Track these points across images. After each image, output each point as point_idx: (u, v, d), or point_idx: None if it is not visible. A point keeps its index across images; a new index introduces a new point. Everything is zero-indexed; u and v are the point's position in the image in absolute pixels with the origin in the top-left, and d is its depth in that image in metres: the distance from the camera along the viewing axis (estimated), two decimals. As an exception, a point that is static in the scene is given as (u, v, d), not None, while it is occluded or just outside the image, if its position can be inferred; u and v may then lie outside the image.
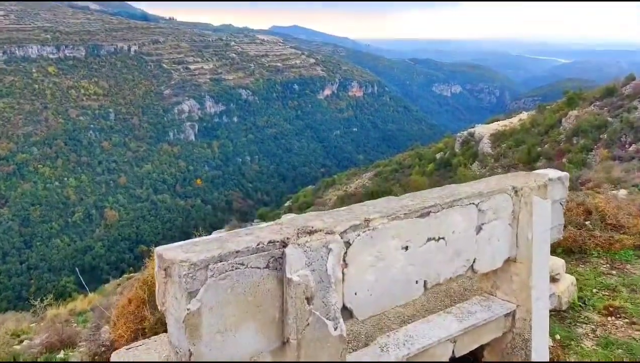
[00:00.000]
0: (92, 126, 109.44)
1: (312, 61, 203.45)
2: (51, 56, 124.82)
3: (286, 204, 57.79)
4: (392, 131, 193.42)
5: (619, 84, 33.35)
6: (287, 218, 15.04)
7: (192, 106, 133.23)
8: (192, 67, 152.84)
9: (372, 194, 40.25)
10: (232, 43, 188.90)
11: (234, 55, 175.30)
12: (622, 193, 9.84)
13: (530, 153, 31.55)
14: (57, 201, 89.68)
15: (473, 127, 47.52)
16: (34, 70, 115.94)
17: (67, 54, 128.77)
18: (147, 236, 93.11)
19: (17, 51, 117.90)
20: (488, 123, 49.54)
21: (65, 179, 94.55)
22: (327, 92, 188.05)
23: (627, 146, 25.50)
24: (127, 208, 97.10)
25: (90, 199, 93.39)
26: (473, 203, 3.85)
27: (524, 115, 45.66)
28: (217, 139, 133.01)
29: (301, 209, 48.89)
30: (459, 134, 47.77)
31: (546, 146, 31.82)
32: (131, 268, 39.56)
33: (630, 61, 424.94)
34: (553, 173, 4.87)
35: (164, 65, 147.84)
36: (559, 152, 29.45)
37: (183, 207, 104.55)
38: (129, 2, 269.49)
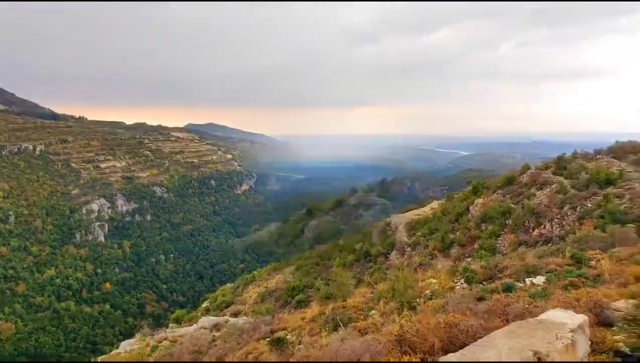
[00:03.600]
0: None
1: (229, 156, 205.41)
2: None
3: (204, 305, 54.90)
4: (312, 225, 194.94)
5: (517, 174, 36.04)
6: (204, 320, 13.90)
7: (102, 206, 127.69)
8: (103, 165, 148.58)
9: (294, 289, 39.43)
10: (146, 141, 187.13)
11: (147, 152, 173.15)
12: (539, 279, 10.08)
13: (444, 240, 32.55)
14: (-59, 317, 79.89)
15: (389, 218, 48.86)
16: None
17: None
18: (47, 350, 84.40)
19: None
20: (403, 212, 51.22)
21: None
22: (245, 187, 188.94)
23: (530, 230, 27.01)
24: (25, 319, 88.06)
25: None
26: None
27: (435, 204, 47.75)
28: (128, 239, 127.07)
29: (220, 309, 46.63)
30: (376, 224, 48.85)
31: (458, 232, 33.02)
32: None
33: (523, 151, 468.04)
34: (570, 318, 4.29)
35: (73, 164, 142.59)
36: (470, 238, 30.61)
37: (90, 314, 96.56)
38: (37, 102, 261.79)
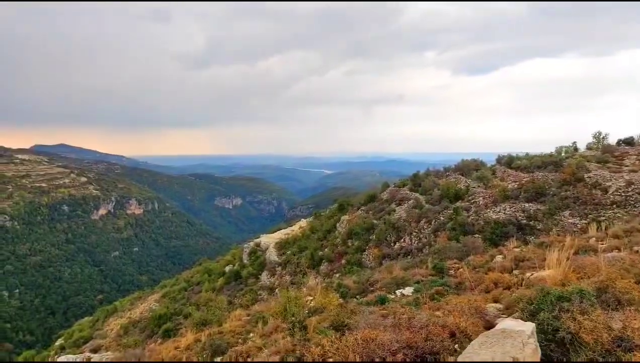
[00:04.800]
0: None
1: (83, 179, 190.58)
2: None
3: (57, 342, 50.03)
4: (177, 247, 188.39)
5: (378, 191, 38.43)
6: (63, 359, 12.73)
7: None
8: None
9: (160, 318, 37.55)
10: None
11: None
12: (408, 290, 10.81)
13: (313, 258, 33.38)
14: None
15: (258, 237, 48.83)
16: None
17: None
18: None
19: None
20: (272, 232, 51.55)
21: None
22: (103, 211, 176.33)
23: (392, 244, 28.84)
24: None
25: None
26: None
27: (303, 222, 48.80)
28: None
29: (77, 345, 42.82)
30: (245, 245, 48.52)
31: (326, 249, 34.08)
32: None
33: (381, 170, 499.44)
34: (523, 326, 4.76)
35: None
36: (338, 254, 31.78)
37: None
38: None
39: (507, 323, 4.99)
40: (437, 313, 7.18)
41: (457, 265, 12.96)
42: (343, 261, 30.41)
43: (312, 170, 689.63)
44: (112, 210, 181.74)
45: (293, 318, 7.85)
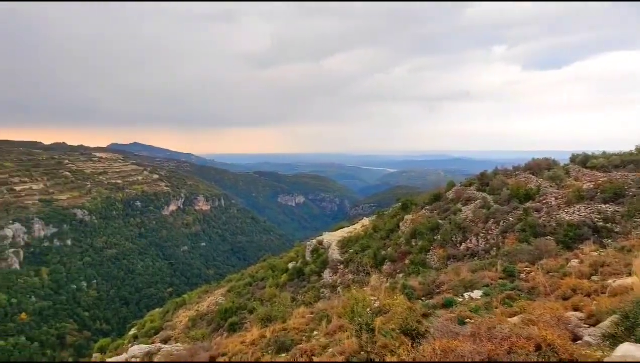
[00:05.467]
0: None
1: (155, 176, 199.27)
2: None
3: (131, 332, 52.47)
4: (242, 242, 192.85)
5: (443, 190, 37.59)
6: (135, 348, 13.26)
7: (17, 231, 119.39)
8: (17, 188, 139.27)
9: (226, 312, 38.56)
10: (66, 161, 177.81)
11: (67, 173, 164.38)
12: (477, 293, 10.48)
13: (376, 257, 33.11)
14: None
15: (321, 235, 49.05)
16: None
17: None
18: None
19: None
20: (334, 230, 51.61)
21: None
22: (173, 207, 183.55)
23: (458, 244, 28.12)
24: None
25: None
26: None
27: (366, 221, 48.50)
28: (47, 265, 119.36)
29: (149, 335, 44.76)
30: (308, 242, 48.85)
31: (389, 248, 33.72)
32: None
33: (445, 168, 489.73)
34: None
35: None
36: (401, 254, 31.36)
37: (2, 348, 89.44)
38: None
39: (626, 348, 4.58)
40: (514, 319, 6.82)
41: (528, 269, 12.42)
42: (406, 261, 29.97)
43: (374, 168, 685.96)
44: (182, 206, 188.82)
45: (360, 319, 7.76)
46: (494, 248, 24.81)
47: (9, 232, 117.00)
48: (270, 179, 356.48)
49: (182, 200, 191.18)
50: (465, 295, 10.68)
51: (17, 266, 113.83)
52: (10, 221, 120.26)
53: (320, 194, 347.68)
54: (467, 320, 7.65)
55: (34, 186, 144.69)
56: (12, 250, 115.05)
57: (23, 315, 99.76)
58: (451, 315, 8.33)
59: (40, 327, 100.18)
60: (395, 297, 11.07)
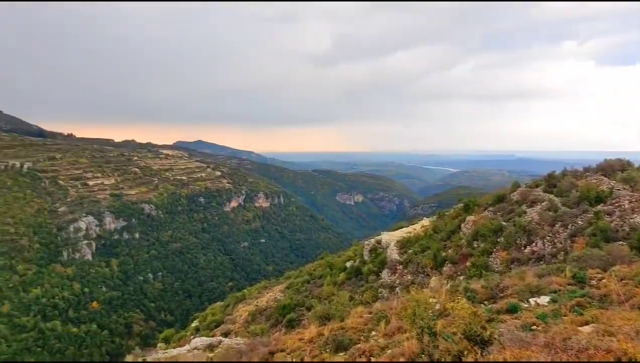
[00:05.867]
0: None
1: (218, 173, 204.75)
2: None
3: (193, 324, 54.21)
4: (300, 240, 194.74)
5: (507, 191, 36.29)
6: (197, 340, 13.70)
7: (90, 223, 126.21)
8: (91, 183, 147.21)
9: (285, 308, 39.09)
10: (135, 158, 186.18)
11: (136, 170, 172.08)
12: (544, 300, 10.09)
13: (436, 258, 32.50)
14: None
15: (379, 235, 48.66)
16: None
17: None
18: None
19: None
20: (393, 230, 51.07)
21: None
22: (234, 204, 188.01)
23: (522, 248, 27.12)
24: (9, 340, 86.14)
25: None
26: None
27: (426, 221, 47.67)
28: (116, 257, 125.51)
29: (210, 328, 46.13)
30: (366, 242, 48.61)
31: (450, 250, 32.99)
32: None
33: (510, 169, 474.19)
34: None
35: (60, 181, 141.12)
36: (463, 256, 30.61)
37: (76, 334, 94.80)
38: (25, 119, 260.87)
39: None
40: (586, 329, 6.47)
41: (599, 275, 11.81)
42: (468, 264, 29.23)
43: (435, 168, 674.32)
44: (242, 203, 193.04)
45: (422, 322, 7.65)
46: (561, 253, 23.76)
47: (82, 224, 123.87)
48: (329, 177, 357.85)
49: (243, 197, 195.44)
50: (531, 300, 10.30)
51: (89, 257, 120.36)
52: (84, 214, 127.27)
53: (379, 194, 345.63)
54: (534, 327, 7.38)
55: (106, 182, 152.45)
56: (86, 241, 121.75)
57: (94, 304, 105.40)
58: (516, 321, 8.07)
59: (110, 315, 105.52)
60: (457, 300, 10.85)
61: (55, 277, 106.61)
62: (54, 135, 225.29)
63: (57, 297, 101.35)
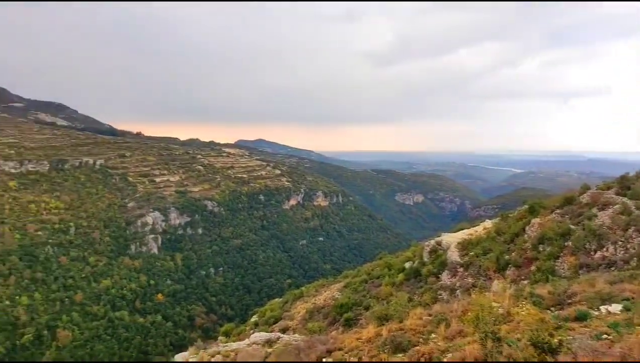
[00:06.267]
0: (50, 241, 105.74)
1: (277, 172, 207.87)
2: (13, 171, 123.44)
3: (252, 319, 55.29)
4: (358, 240, 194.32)
5: (576, 193, 34.66)
6: (257, 335, 13.96)
7: (156, 218, 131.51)
8: (157, 179, 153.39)
9: (342, 307, 39.19)
10: (199, 156, 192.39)
11: (200, 167, 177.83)
12: (615, 308, 9.62)
13: (499, 261, 31.56)
14: (6, 322, 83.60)
15: (439, 236, 47.78)
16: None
17: (30, 169, 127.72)
18: (102, 358, 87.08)
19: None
20: (454, 232, 50.01)
21: (17, 297, 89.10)
22: (293, 202, 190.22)
23: (592, 253, 25.86)
24: (81, 327, 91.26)
25: (42, 319, 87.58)
26: None
27: (488, 223, 46.32)
28: (180, 251, 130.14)
29: (268, 324, 46.91)
30: (426, 242, 47.85)
31: (513, 253, 31.94)
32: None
33: (579, 170, 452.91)
34: None
35: (130, 178, 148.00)
36: (527, 260, 29.55)
37: (142, 324, 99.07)
38: (97, 118, 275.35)
39: None
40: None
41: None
42: (532, 268, 28.18)
43: (498, 168, 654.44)
44: (301, 201, 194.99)
45: (485, 327, 7.47)
46: (635, 259, 22.50)
47: (149, 219, 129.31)
48: (388, 177, 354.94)
49: (302, 195, 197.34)
50: (602, 308, 9.82)
51: (155, 250, 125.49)
52: (151, 210, 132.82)
53: (439, 194, 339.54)
54: (605, 336, 7.05)
55: (171, 178, 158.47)
56: (152, 236, 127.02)
57: (160, 296, 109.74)
58: (586, 329, 7.74)
59: (174, 307, 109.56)
60: (521, 305, 10.52)
61: (124, 269, 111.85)
62: (124, 133, 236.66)
63: (125, 288, 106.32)
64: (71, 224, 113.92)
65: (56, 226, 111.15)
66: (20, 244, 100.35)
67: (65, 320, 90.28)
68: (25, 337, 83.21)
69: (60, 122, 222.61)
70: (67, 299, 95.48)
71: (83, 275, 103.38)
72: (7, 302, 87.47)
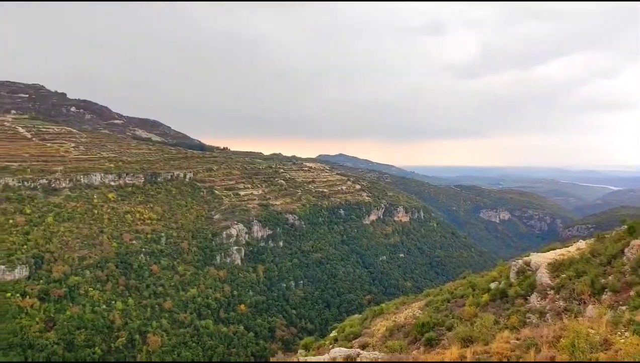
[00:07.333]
0: (143, 249, 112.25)
1: (357, 186, 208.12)
2: (112, 183, 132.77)
3: (332, 334, 55.20)
4: (440, 257, 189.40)
5: (683, 213, 31.87)
6: (337, 350, 13.88)
7: (240, 231, 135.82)
8: (242, 193, 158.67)
9: (423, 326, 38.17)
10: (281, 170, 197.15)
11: (282, 181, 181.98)
12: None
13: (594, 285, 29.45)
14: (103, 325, 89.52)
15: (528, 255, 45.48)
16: (95, 196, 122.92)
17: (127, 181, 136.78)
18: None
19: (82, 179, 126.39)
20: (544, 251, 47.43)
21: (113, 302, 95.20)
22: (373, 217, 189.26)
23: (703, 280, 23.50)
24: (169, 333, 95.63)
25: (134, 324, 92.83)
26: None
27: (582, 243, 43.47)
28: (262, 263, 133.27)
29: (348, 339, 46.55)
30: (513, 262, 45.69)
31: (610, 277, 29.69)
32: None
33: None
34: None
35: (216, 191, 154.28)
36: (625, 284, 27.34)
37: (225, 334, 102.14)
38: (188, 134, 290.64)
39: None
40: None
41: None
42: (631, 293, 25.98)
43: (593, 186, 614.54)
44: (381, 216, 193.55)
45: (582, 355, 6.97)
46: None
47: (234, 231, 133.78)
48: (472, 193, 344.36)
49: (382, 211, 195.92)
50: None
51: (239, 262, 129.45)
52: (235, 222, 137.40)
53: (527, 212, 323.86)
54: None
55: (255, 192, 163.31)
56: (236, 247, 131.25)
57: (242, 307, 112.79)
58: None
59: (255, 318, 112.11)
60: (620, 333, 9.76)
61: (209, 279, 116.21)
62: (211, 148, 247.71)
63: (210, 297, 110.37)
64: (162, 234, 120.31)
65: (149, 236, 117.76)
66: (116, 252, 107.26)
67: (155, 326, 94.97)
68: (119, 340, 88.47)
69: (155, 138, 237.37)
70: (157, 306, 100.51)
71: (172, 283, 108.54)
72: (104, 306, 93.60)
